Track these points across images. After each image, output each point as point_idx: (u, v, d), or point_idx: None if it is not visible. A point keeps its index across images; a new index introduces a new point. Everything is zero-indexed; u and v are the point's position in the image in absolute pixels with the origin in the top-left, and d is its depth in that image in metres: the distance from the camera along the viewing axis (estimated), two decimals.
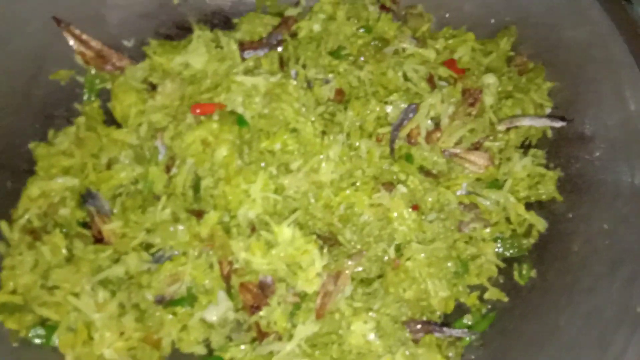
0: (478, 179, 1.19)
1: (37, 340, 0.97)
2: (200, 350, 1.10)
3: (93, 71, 1.36)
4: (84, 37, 1.34)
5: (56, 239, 1.07)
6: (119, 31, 1.39)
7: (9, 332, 0.96)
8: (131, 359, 0.98)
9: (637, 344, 0.81)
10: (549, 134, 1.23)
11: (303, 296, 1.11)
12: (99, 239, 1.18)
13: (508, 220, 1.17)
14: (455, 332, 1.03)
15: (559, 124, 1.16)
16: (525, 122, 1.18)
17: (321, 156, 1.27)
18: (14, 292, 1.00)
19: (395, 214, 1.18)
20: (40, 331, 0.98)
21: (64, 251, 1.08)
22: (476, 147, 1.21)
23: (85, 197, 1.23)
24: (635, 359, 0.80)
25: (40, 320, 1.00)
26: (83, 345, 0.97)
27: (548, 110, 1.24)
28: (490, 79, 1.22)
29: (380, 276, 1.14)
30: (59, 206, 1.14)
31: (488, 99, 1.21)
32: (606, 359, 0.83)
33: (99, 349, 0.97)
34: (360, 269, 1.15)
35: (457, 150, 1.20)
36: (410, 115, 1.26)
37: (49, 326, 0.99)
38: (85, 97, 1.34)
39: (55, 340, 0.98)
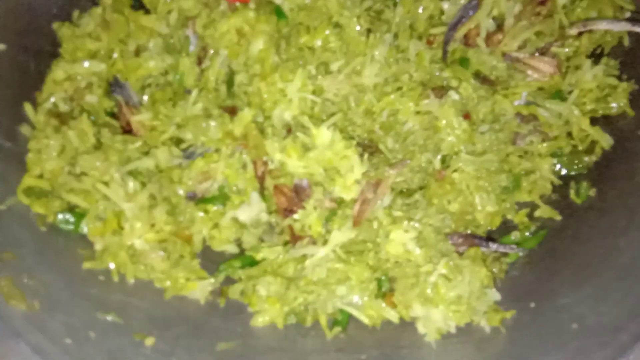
0: (540, 88, 1.08)
1: (65, 227, 0.94)
2: (232, 249, 1.07)
3: None
4: None
5: (84, 125, 1.01)
6: None
7: (36, 216, 0.93)
8: (162, 250, 0.95)
9: None
10: (626, 41, 1.09)
11: (340, 202, 1.05)
12: (127, 130, 1.12)
13: (569, 135, 1.07)
14: (502, 248, 0.97)
15: None
16: (602, 26, 1.04)
17: (365, 57, 1.15)
18: (40, 176, 0.96)
19: (443, 123, 1.08)
20: (69, 217, 0.95)
21: (92, 138, 1.02)
22: (542, 52, 1.08)
23: (113, 86, 1.15)
24: None
25: (69, 206, 0.97)
26: (113, 234, 0.95)
27: (628, 15, 1.09)
28: None
29: (422, 187, 1.07)
30: (86, 92, 1.08)
31: None
32: None
33: (129, 238, 0.94)
34: (401, 178, 1.08)
35: (521, 55, 1.08)
36: (470, 12, 1.12)
37: (78, 213, 0.96)
38: None
39: (84, 227, 0.96)
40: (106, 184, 0.97)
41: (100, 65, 1.09)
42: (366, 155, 1.08)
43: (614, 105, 1.04)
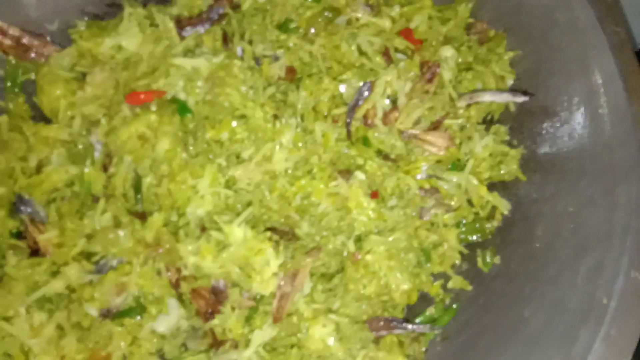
0: (439, 161, 1.12)
1: None
2: None
3: (14, 62, 1.21)
4: None
5: None
6: (40, 13, 1.24)
7: None
8: None
9: (604, 338, 0.77)
10: (512, 107, 1.16)
11: (259, 299, 1.05)
12: (35, 250, 1.09)
13: (470, 203, 1.11)
14: (418, 328, 0.99)
15: (521, 99, 1.09)
16: (487, 98, 1.11)
17: (274, 142, 1.18)
18: None
19: (353, 203, 1.11)
20: None
21: None
22: (435, 126, 1.14)
23: (17, 205, 1.12)
24: (601, 354, 0.76)
25: None
26: None
27: (510, 82, 1.16)
28: (448, 52, 1.13)
29: (339, 270, 1.09)
30: None
31: (447, 74, 1.13)
32: (572, 354, 0.79)
33: None
34: (319, 263, 1.09)
35: (416, 132, 1.12)
36: (366, 94, 1.17)
37: None
38: (7, 91, 1.20)
39: None
40: (10, 319, 0.93)
41: (0, 190, 1.06)
42: (282, 245, 1.09)
43: (506, 171, 1.10)
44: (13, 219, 1.11)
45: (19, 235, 1.11)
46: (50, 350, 0.91)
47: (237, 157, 1.20)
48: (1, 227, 1.07)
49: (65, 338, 0.94)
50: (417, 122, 1.13)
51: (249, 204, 1.17)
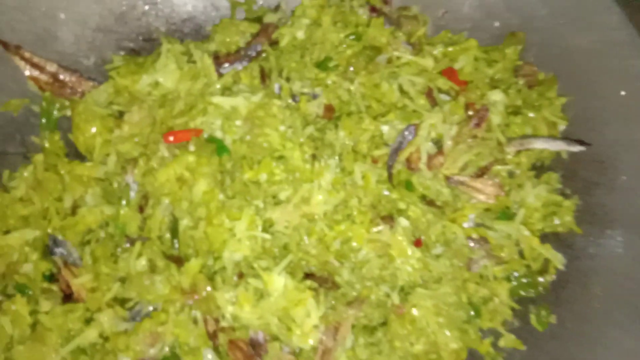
0: (487, 209, 1.08)
1: None
2: None
3: (50, 98, 1.20)
4: (36, 59, 1.18)
5: (18, 306, 0.94)
6: (76, 49, 1.23)
7: None
8: None
9: None
10: (564, 154, 1.11)
11: (299, 353, 1.00)
12: (67, 295, 1.06)
13: (521, 255, 1.06)
14: None
15: (577, 149, 1.04)
16: (538, 145, 1.06)
17: (312, 184, 1.14)
18: None
19: (397, 251, 1.06)
20: None
21: (27, 318, 0.95)
22: (483, 172, 1.09)
23: (51, 246, 1.09)
24: None
25: None
26: None
27: (562, 128, 1.12)
28: (497, 96, 1.09)
29: (384, 323, 1.04)
30: (20, 264, 1.01)
31: (495, 118, 1.09)
32: None
33: None
34: (361, 314, 1.04)
35: (463, 178, 1.08)
36: (409, 137, 1.13)
37: None
38: (42, 128, 1.18)
39: None
40: None
41: (32, 232, 1.03)
42: (322, 295, 1.04)
43: (559, 223, 1.05)
44: (46, 261, 1.08)
45: (52, 277, 1.08)
46: None
47: (274, 198, 1.16)
48: (34, 270, 1.04)
49: None
50: (463, 168, 1.09)
51: (285, 247, 1.13)
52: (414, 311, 0.99)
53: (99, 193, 1.14)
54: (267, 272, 1.03)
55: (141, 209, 1.13)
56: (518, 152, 1.09)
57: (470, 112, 1.13)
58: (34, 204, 1.06)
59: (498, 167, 1.09)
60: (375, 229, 1.10)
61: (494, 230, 1.05)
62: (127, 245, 1.11)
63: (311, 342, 0.99)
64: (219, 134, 1.17)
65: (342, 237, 1.12)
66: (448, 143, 1.09)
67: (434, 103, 1.16)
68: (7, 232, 1.02)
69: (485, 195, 1.06)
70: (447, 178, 1.09)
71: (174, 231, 1.10)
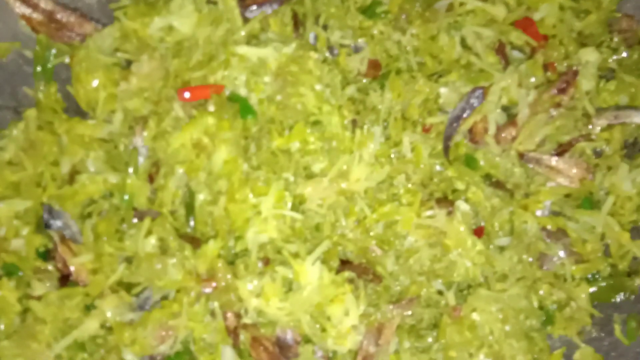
0: (567, 195, 0.89)
1: None
2: None
3: (45, 41, 1.01)
4: None
5: (5, 292, 0.79)
6: None
7: None
8: None
9: None
10: None
11: (333, 357, 0.85)
12: (65, 275, 0.91)
13: (607, 252, 0.88)
14: None
15: None
16: (637, 119, 0.86)
17: (352, 155, 0.96)
18: None
19: (453, 241, 0.89)
20: None
21: (16, 305, 0.81)
22: (565, 150, 0.90)
23: (46, 218, 0.94)
24: None
25: None
26: None
27: None
28: (590, 55, 0.89)
29: (434, 325, 0.88)
30: (8, 240, 0.86)
31: (586, 84, 0.89)
32: None
33: None
34: (408, 313, 0.88)
35: (540, 156, 0.89)
36: (475, 103, 0.93)
37: None
38: (36, 78, 1.00)
39: None
40: None
41: (22, 202, 0.88)
42: (362, 288, 0.88)
43: None
44: (40, 235, 0.92)
45: (47, 255, 0.93)
46: None
47: (306, 170, 0.98)
48: (26, 246, 0.89)
49: None
50: (541, 144, 0.90)
51: (318, 229, 0.97)
52: (474, 315, 0.82)
53: (102, 157, 0.98)
54: (298, 261, 0.87)
55: (151, 179, 0.97)
56: (610, 127, 0.90)
57: (550, 74, 0.93)
58: (26, 168, 0.91)
59: (584, 144, 0.90)
60: (427, 213, 0.92)
61: (574, 221, 0.87)
62: (135, 220, 0.95)
63: (349, 346, 0.83)
64: (243, 92, 0.99)
65: (386, 220, 0.96)
66: (524, 112, 0.90)
67: (506, 62, 0.96)
68: None
69: (567, 178, 0.88)
70: (520, 155, 0.90)
71: (190, 207, 0.94)
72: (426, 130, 1.01)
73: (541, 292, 0.85)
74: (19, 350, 0.75)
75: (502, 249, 0.90)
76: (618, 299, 0.85)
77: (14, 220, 0.87)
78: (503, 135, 0.91)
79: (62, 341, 0.79)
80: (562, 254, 0.86)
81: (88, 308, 0.87)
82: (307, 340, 0.85)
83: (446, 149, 0.97)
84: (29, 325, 0.79)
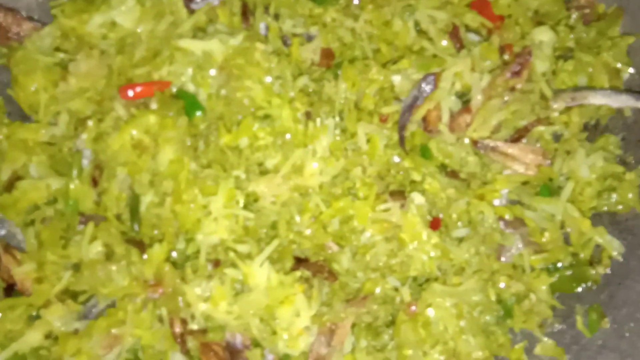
0: (525, 183, 0.85)
1: None
2: None
3: None
4: None
5: None
6: None
7: None
8: None
9: None
10: (627, 112, 0.87)
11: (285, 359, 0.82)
12: (10, 285, 0.88)
13: (567, 241, 0.84)
14: None
15: None
16: (595, 100, 0.83)
17: (306, 150, 0.92)
18: None
19: (409, 235, 0.86)
20: None
21: None
22: (521, 135, 0.86)
23: None
24: None
25: None
26: None
27: (627, 77, 0.87)
28: (543, 35, 0.85)
29: (391, 322, 0.84)
30: None
31: (540, 65, 0.85)
32: None
33: None
34: (363, 310, 0.85)
35: (495, 143, 0.85)
36: (427, 89, 0.89)
37: None
38: None
39: None
40: None
41: None
42: (316, 287, 0.85)
43: (619, 201, 0.82)
44: None
45: None
46: None
47: (259, 166, 0.95)
48: None
49: None
50: (496, 130, 0.86)
51: (273, 227, 0.93)
52: (430, 311, 0.79)
53: (45, 162, 0.95)
54: (246, 262, 0.83)
55: (95, 182, 0.93)
56: (568, 109, 0.86)
57: (507, 57, 0.89)
58: None
59: (541, 129, 0.87)
60: (382, 207, 0.88)
61: (532, 210, 0.83)
62: (82, 226, 0.91)
63: (301, 348, 0.80)
64: (191, 88, 0.95)
65: (342, 215, 0.93)
66: (477, 97, 0.86)
67: (460, 45, 0.92)
68: None
69: (524, 165, 0.84)
70: (475, 143, 0.87)
71: (134, 210, 0.90)
72: (383, 120, 0.97)
73: (501, 285, 0.81)
74: None
75: (460, 240, 0.86)
76: (580, 290, 0.82)
77: None
78: (457, 122, 0.87)
79: (1, 354, 0.76)
80: (520, 244, 0.82)
81: (32, 318, 0.84)
82: (257, 344, 0.82)
83: (402, 139, 0.93)
84: None
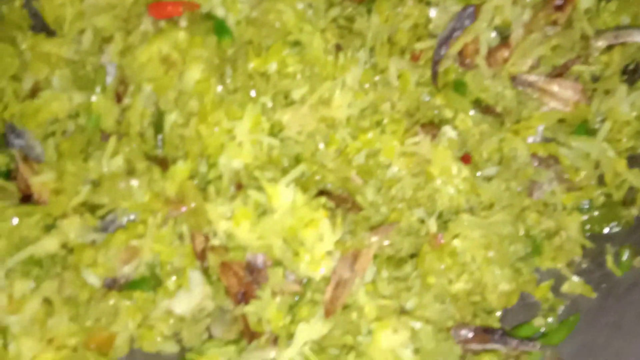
0: (561, 120, 0.84)
1: None
2: (170, 348, 0.82)
3: None
4: None
5: None
6: None
7: None
8: None
9: None
10: None
11: (307, 283, 0.80)
12: (26, 195, 0.86)
13: (601, 181, 0.83)
14: (524, 345, 0.74)
15: None
16: (638, 38, 0.80)
17: (334, 81, 0.90)
18: None
19: (438, 169, 0.84)
20: None
21: None
22: (560, 72, 0.84)
23: (8, 136, 0.89)
24: None
25: None
26: None
27: None
28: None
29: (414, 255, 0.83)
30: None
31: (585, 1, 0.82)
32: None
33: None
34: (387, 242, 0.83)
35: (534, 78, 0.83)
36: (466, 23, 0.87)
37: None
38: None
39: None
40: None
41: None
42: (340, 216, 0.83)
43: None
44: (2, 154, 0.87)
45: (9, 174, 0.88)
46: (33, 331, 0.69)
47: (286, 98, 0.93)
48: None
49: (54, 317, 0.71)
50: (535, 66, 0.84)
51: (297, 158, 0.91)
52: (456, 242, 0.77)
53: (68, 76, 0.92)
54: (271, 184, 0.81)
55: (119, 98, 0.91)
56: (609, 49, 0.83)
57: None
58: None
59: (581, 68, 0.84)
60: (412, 140, 0.86)
61: (567, 148, 0.81)
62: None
63: (322, 271, 0.78)
64: (219, 12, 0.93)
65: (368, 148, 0.90)
66: (518, 32, 0.83)
67: None
68: None
69: (561, 102, 0.82)
70: (512, 78, 0.84)
71: (158, 126, 0.88)
72: (415, 58, 0.95)
73: (529, 221, 0.80)
74: None
75: (489, 179, 0.84)
76: (611, 230, 0.80)
77: None
78: (495, 57, 0.85)
79: (16, 255, 0.74)
80: (552, 182, 0.81)
81: (48, 228, 0.82)
82: (278, 264, 0.80)
83: (434, 74, 0.91)
84: None
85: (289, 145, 0.92)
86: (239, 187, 0.87)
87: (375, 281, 0.82)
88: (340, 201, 0.88)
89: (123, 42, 0.89)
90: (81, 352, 0.72)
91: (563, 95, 0.82)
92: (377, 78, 0.93)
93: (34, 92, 0.89)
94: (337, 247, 0.81)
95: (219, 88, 0.90)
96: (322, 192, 0.89)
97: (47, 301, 0.73)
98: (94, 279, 0.80)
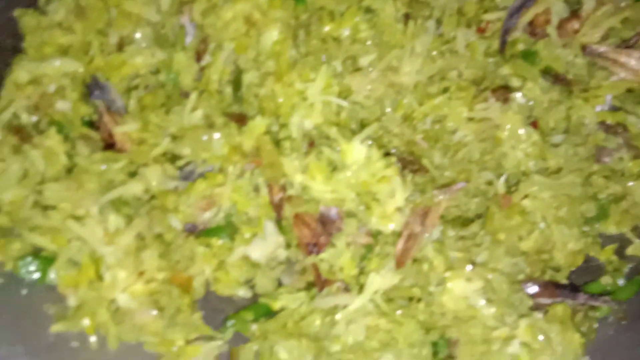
0: (630, 90, 0.86)
1: (29, 276, 0.73)
2: (243, 293, 0.86)
3: None
4: None
5: (52, 142, 0.79)
6: None
7: None
8: (154, 306, 0.74)
9: None
10: None
11: (378, 236, 0.84)
12: (109, 144, 0.90)
13: None
14: (592, 300, 0.76)
15: None
16: None
17: (403, 49, 0.93)
18: None
19: (506, 133, 0.86)
20: (33, 264, 0.73)
21: (62, 158, 0.80)
22: (630, 44, 0.86)
23: (92, 88, 0.93)
24: None
25: (33, 249, 0.76)
26: (90, 286, 0.73)
27: None
28: None
29: (479, 216, 0.85)
30: (56, 97, 0.86)
31: None
32: None
33: (111, 292, 0.73)
34: (453, 204, 0.86)
35: (604, 48, 0.85)
36: None
37: (45, 258, 0.75)
38: None
39: (53, 276, 0.74)
40: (80, 220, 0.75)
41: (73, 63, 0.87)
42: (409, 175, 0.86)
43: None
44: (86, 104, 0.92)
45: (92, 125, 0.92)
46: (127, 263, 0.73)
47: (354, 62, 0.96)
48: (73, 111, 0.89)
49: (145, 251, 0.76)
50: (605, 37, 0.86)
51: (363, 123, 0.95)
52: (526, 202, 0.80)
53: (149, 35, 0.96)
54: (346, 140, 0.85)
55: (199, 57, 0.95)
56: None
57: None
58: (75, 33, 0.89)
59: None
60: (481, 106, 0.89)
61: (636, 116, 0.83)
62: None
63: (392, 226, 0.82)
64: None
65: (435, 114, 0.93)
66: (589, 4, 0.85)
67: None
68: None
69: (630, 72, 0.84)
70: (583, 48, 0.86)
71: (237, 84, 0.92)
72: (481, 30, 0.97)
73: (596, 185, 0.82)
74: (65, 194, 0.75)
75: (556, 145, 0.87)
76: None
77: (62, 79, 0.86)
78: (566, 27, 0.87)
79: (107, 194, 0.78)
80: (621, 148, 0.83)
81: (132, 174, 0.86)
82: (350, 215, 0.83)
83: (503, 44, 0.93)
84: (76, 175, 0.79)
85: (356, 109, 0.95)
86: (311, 144, 0.90)
87: (442, 240, 0.85)
88: (406, 163, 0.91)
89: (207, 2, 0.93)
90: (168, 287, 0.76)
91: (632, 66, 0.84)
92: (444, 47, 0.96)
93: (120, 47, 0.93)
94: (407, 203, 0.84)
95: (293, 52, 0.94)
96: (388, 154, 0.93)
97: (140, 236, 0.77)
98: (176, 222, 0.84)
